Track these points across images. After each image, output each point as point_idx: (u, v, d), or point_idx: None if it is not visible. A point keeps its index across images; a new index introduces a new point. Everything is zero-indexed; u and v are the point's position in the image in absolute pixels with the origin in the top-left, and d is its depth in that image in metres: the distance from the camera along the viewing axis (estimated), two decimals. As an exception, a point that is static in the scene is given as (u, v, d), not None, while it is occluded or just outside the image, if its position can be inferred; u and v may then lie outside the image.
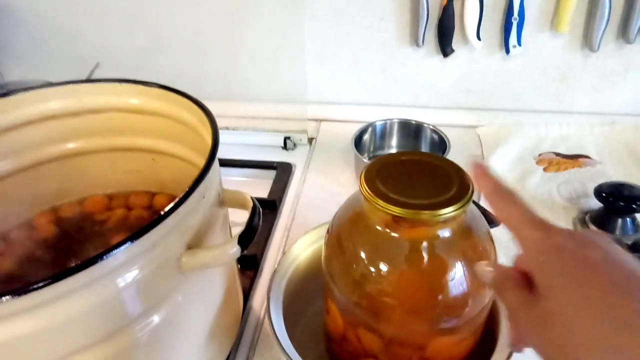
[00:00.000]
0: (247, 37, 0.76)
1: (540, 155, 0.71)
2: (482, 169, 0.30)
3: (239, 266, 0.53)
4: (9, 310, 0.26)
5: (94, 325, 0.30)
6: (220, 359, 0.42)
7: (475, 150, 0.72)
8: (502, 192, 0.28)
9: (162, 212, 0.29)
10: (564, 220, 0.59)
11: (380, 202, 0.31)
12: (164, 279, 0.32)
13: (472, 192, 0.32)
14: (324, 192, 0.65)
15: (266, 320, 0.38)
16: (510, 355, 0.35)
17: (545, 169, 0.68)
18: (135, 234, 0.28)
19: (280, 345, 0.34)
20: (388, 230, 0.32)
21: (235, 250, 0.33)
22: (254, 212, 0.35)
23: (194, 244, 0.33)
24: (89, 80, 0.46)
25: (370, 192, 0.32)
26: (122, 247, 0.28)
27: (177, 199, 0.30)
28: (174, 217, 0.30)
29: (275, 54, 0.76)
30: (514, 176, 0.67)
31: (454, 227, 0.33)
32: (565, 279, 0.23)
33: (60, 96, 0.45)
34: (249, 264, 0.53)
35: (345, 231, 0.35)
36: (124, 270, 0.29)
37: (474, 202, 0.33)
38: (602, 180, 0.64)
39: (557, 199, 0.62)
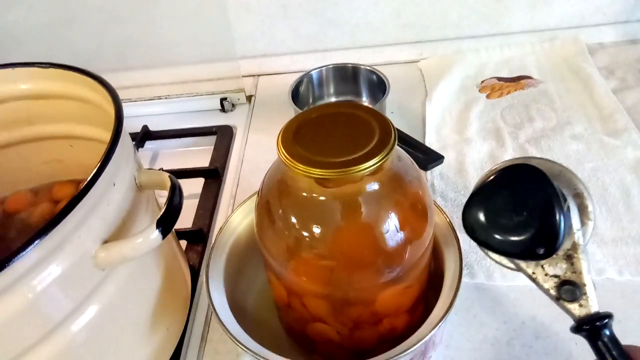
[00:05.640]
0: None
1: (482, 82, 0.69)
2: None
3: (186, 242, 0.52)
4: None
5: (24, 330, 0.28)
6: (172, 341, 0.41)
7: (417, 86, 0.70)
8: None
9: (57, 212, 0.27)
10: (511, 147, 0.58)
11: (301, 166, 0.29)
12: (84, 278, 0.30)
13: (395, 138, 0.30)
14: (269, 152, 0.62)
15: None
16: (456, 293, 0.35)
17: (488, 96, 0.67)
18: (31, 238, 0.26)
19: (223, 324, 0.33)
20: (315, 195, 0.31)
21: (155, 236, 0.31)
22: (173, 192, 0.33)
23: (112, 236, 0.31)
24: (-23, 70, 0.42)
25: (289, 157, 0.30)
26: (22, 254, 0.25)
27: (76, 194, 0.28)
28: (76, 213, 0.28)
29: (197, 9, 0.70)
30: (458, 108, 0.66)
31: (381, 178, 0.31)
32: None
33: (-50, 93, 0.41)
34: (196, 239, 0.51)
35: (274, 197, 0.33)
36: (35, 273, 0.27)
37: (399, 144, 0.31)
38: (544, 101, 0.64)
39: (502, 126, 0.62)
